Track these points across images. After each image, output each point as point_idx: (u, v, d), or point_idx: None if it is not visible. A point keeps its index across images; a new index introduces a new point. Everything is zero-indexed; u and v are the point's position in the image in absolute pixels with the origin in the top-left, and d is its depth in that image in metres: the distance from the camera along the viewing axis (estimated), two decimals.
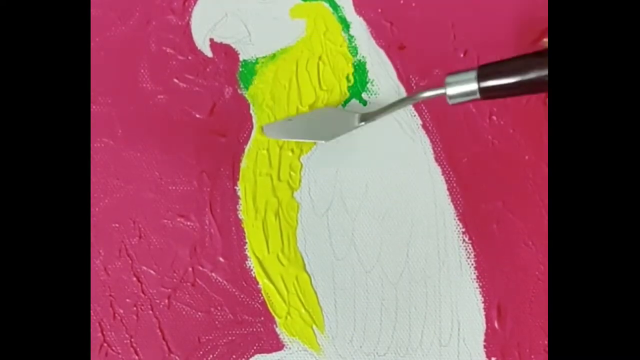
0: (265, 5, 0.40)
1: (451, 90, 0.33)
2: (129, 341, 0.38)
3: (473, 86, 0.32)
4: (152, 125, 0.40)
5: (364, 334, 0.37)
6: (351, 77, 0.39)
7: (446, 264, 0.37)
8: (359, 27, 0.40)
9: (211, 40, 0.40)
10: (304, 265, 0.38)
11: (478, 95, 0.33)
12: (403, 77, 0.39)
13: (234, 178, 0.39)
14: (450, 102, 0.33)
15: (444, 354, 0.37)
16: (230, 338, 0.38)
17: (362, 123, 0.37)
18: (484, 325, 0.37)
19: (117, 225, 0.39)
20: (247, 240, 0.39)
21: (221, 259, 0.39)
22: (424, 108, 0.38)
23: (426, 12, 0.39)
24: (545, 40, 0.32)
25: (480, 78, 0.32)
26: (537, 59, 0.32)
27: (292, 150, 0.39)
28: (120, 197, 0.40)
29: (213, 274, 0.38)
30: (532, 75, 0.31)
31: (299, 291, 0.38)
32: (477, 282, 0.37)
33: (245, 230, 0.39)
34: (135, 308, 0.39)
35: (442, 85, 0.33)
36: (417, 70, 0.39)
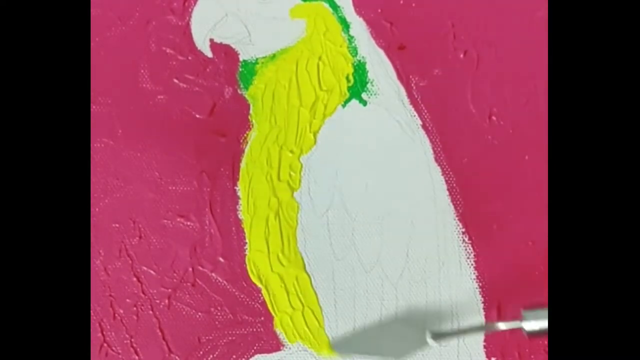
0: (265, 5, 0.40)
1: (528, 326, 0.32)
2: (129, 341, 0.38)
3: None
4: (152, 125, 0.40)
5: None
6: (351, 78, 0.39)
7: (446, 264, 0.37)
8: (359, 27, 0.40)
9: (211, 40, 0.40)
10: (304, 265, 0.38)
11: None
12: (403, 78, 0.39)
13: (234, 178, 0.39)
14: (529, 337, 0.33)
15: (444, 354, 0.37)
16: (230, 338, 0.38)
17: (433, 341, 0.35)
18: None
19: (117, 225, 0.39)
20: (247, 241, 0.39)
21: (221, 259, 0.39)
22: (423, 108, 0.39)
23: (426, 12, 0.39)
24: None
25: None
26: None
27: (292, 151, 0.39)
28: (120, 197, 0.40)
29: (213, 274, 0.38)
30: None
31: (299, 291, 0.38)
32: (477, 282, 0.37)
33: (245, 230, 0.39)
34: (135, 308, 0.39)
35: (517, 316, 0.33)
36: (417, 71, 0.39)
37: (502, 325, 0.34)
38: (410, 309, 0.37)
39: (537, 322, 0.32)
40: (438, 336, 0.35)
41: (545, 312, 0.32)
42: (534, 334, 0.32)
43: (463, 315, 0.37)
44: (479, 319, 0.37)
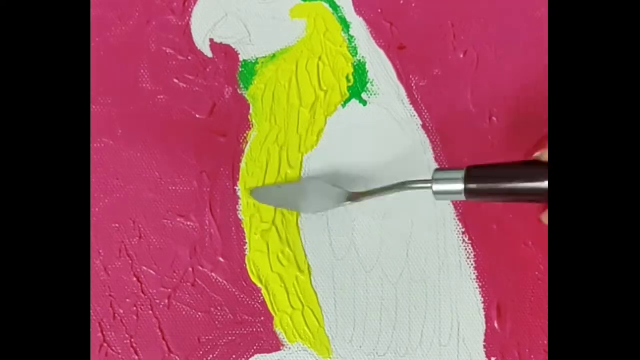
0: (265, 5, 0.40)
1: (437, 187, 0.33)
2: (129, 341, 0.38)
3: (459, 186, 0.32)
4: (152, 125, 0.40)
5: (364, 333, 0.37)
6: (351, 77, 0.39)
7: (446, 264, 0.37)
8: (359, 27, 0.40)
9: (211, 40, 0.40)
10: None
11: (463, 197, 0.32)
12: (403, 77, 0.39)
13: (234, 178, 0.39)
14: (436, 198, 0.33)
15: (444, 354, 0.37)
16: (230, 338, 0.38)
17: (348, 202, 0.36)
18: (484, 325, 0.37)
19: (117, 225, 0.39)
20: (247, 241, 0.39)
21: (221, 259, 0.39)
22: (424, 108, 0.39)
23: (426, 12, 0.39)
24: (538, 154, 0.31)
25: (468, 180, 0.32)
26: (529, 169, 0.31)
27: (292, 151, 0.39)
28: (121, 197, 0.40)
29: (213, 274, 0.38)
30: (522, 185, 0.31)
31: (299, 291, 0.38)
32: (477, 282, 0.37)
33: (245, 230, 0.39)
34: (135, 308, 0.39)
35: (429, 177, 0.33)
36: (417, 71, 0.39)
37: (413, 185, 0.34)
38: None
39: (447, 185, 0.32)
40: (353, 197, 0.36)
41: (458, 174, 0.32)
42: (444, 196, 0.33)
43: (463, 316, 0.37)
44: (479, 319, 0.37)
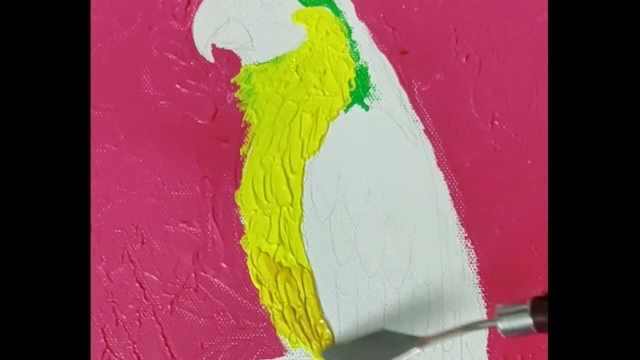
0: (267, 10, 0.40)
1: (503, 325, 0.32)
2: (131, 347, 0.38)
3: (527, 320, 0.31)
4: (154, 131, 0.40)
5: None
6: (353, 83, 0.39)
7: (449, 269, 0.37)
8: (361, 32, 0.40)
9: (213, 45, 0.40)
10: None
11: (534, 329, 0.31)
12: (405, 82, 0.39)
13: (237, 183, 0.39)
14: (504, 335, 0.32)
15: (447, 359, 0.36)
16: (233, 344, 0.38)
17: (417, 350, 0.34)
18: (487, 330, 0.36)
19: (119, 231, 0.39)
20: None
21: (224, 264, 0.39)
22: (426, 113, 0.38)
23: (428, 16, 0.39)
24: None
25: (534, 312, 0.31)
26: None
27: (294, 156, 0.39)
28: (123, 202, 0.40)
29: (215, 280, 0.38)
30: None
31: None
32: (479, 287, 0.37)
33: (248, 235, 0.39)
34: (137, 314, 0.38)
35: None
36: (419, 75, 0.39)
37: (480, 324, 0.34)
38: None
39: (514, 320, 0.32)
40: (422, 342, 0.35)
41: (523, 308, 0.32)
42: (509, 333, 0.32)
43: (466, 321, 0.36)
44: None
